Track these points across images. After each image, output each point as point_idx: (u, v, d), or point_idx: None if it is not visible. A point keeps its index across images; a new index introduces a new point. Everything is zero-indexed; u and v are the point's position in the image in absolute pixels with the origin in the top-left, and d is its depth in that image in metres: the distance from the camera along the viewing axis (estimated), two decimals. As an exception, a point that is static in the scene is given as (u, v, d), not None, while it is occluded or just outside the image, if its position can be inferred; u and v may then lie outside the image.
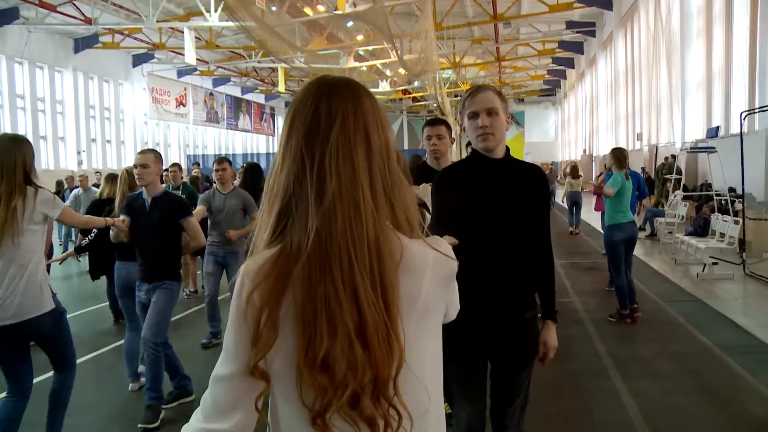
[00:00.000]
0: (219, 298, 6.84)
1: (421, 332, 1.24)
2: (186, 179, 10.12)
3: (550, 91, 49.51)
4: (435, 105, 34.83)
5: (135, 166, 4.70)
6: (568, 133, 46.41)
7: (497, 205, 2.70)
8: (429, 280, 1.23)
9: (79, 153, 27.21)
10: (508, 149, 2.83)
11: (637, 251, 12.35)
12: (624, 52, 26.74)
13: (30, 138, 25.03)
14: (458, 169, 2.93)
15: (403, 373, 1.15)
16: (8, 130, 24.14)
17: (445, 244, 1.29)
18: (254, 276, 1.17)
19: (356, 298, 1.13)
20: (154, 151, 4.87)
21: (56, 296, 3.93)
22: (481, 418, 2.86)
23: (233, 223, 6.53)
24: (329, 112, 1.20)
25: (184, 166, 21.67)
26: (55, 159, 26.45)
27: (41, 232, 3.69)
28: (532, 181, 2.80)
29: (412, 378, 1.18)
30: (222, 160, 6.79)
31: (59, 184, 16.63)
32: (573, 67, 38.78)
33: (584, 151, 36.32)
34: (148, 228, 4.69)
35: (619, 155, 7.46)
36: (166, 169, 8.77)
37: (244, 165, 8.82)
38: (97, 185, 12.58)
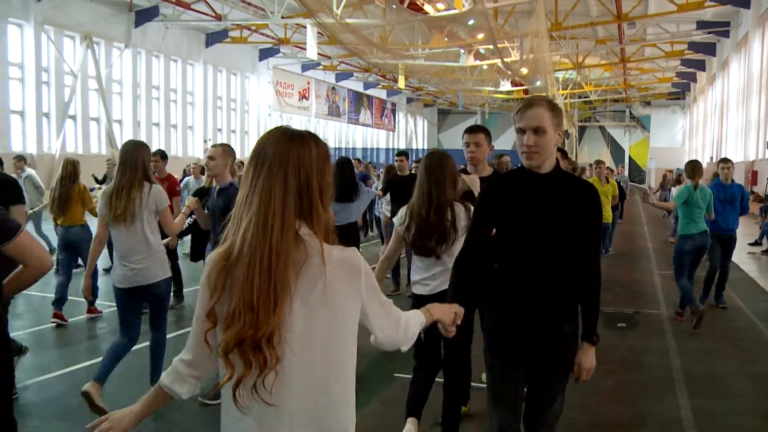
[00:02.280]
0: None
1: (316, 314, 1.73)
2: None
3: (679, 94, 47.08)
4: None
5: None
6: (696, 139, 43.99)
7: (538, 220, 2.74)
8: (330, 273, 1.73)
9: (205, 141, 28.83)
10: (557, 163, 2.84)
11: (749, 267, 11.75)
12: (760, 54, 25.08)
13: (162, 126, 27.07)
14: (504, 181, 3.00)
15: (281, 337, 1.68)
16: (143, 119, 26.09)
17: (346, 250, 1.79)
18: (212, 262, 1.77)
19: (252, 284, 1.67)
20: (223, 145, 5.29)
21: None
22: (514, 422, 2.92)
23: None
24: (265, 156, 1.76)
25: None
26: (183, 147, 28.25)
27: (156, 218, 4.71)
28: (579, 198, 2.80)
29: (290, 343, 1.70)
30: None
31: (185, 171, 17.72)
32: (704, 70, 36.72)
33: (711, 158, 34.40)
34: (212, 215, 5.07)
35: (692, 167, 7.64)
36: None
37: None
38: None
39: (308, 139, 1.81)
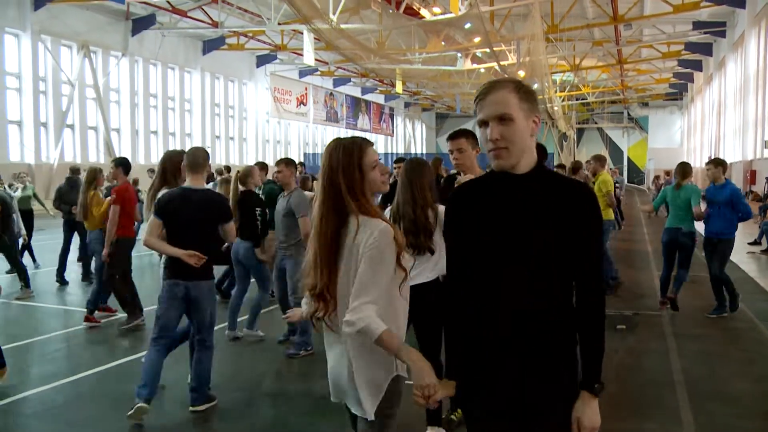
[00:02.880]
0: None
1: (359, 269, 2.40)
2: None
3: (676, 94, 47.15)
4: (542, 108, 33.86)
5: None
6: (694, 139, 44.05)
7: (516, 236, 2.16)
8: (360, 238, 2.39)
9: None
10: (539, 160, 2.25)
11: (749, 267, 11.72)
12: (756, 53, 25.12)
13: (159, 134, 27.11)
14: (472, 188, 2.33)
15: (336, 288, 2.44)
16: (141, 128, 26.12)
17: (375, 220, 2.41)
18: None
19: (313, 251, 2.47)
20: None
21: None
22: None
23: (281, 227, 6.24)
24: (324, 161, 2.50)
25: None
26: (182, 154, 28.28)
27: None
28: (569, 203, 2.18)
29: (343, 292, 2.42)
30: (280, 161, 6.46)
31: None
32: (701, 70, 36.82)
33: (709, 158, 34.43)
34: None
35: (678, 169, 8.05)
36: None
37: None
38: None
39: (338, 146, 2.48)
